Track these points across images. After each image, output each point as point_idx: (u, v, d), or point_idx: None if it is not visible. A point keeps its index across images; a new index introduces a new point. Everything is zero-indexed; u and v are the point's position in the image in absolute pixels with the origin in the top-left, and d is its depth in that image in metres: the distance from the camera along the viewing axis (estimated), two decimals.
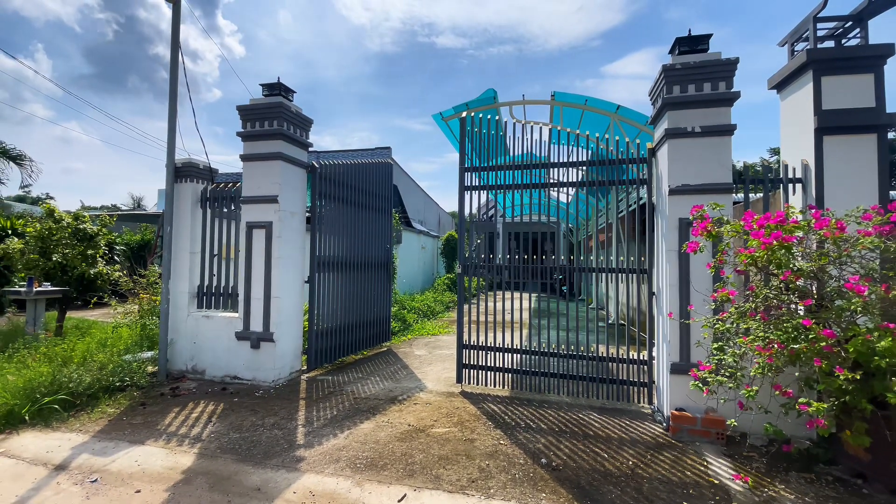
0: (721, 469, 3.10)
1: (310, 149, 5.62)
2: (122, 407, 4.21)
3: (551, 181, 4.84)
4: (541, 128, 4.83)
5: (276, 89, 5.11)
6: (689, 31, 4.02)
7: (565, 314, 9.36)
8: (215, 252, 5.49)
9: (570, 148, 4.82)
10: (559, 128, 4.87)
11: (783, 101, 4.20)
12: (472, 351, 4.94)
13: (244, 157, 5.11)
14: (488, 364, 4.88)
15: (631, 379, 4.41)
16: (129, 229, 13.76)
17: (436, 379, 5.26)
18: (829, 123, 3.64)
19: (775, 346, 2.24)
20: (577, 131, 4.69)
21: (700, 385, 2.79)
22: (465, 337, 4.98)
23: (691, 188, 3.83)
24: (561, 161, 4.70)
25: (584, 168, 4.64)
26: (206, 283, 5.45)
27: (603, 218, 9.39)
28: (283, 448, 3.35)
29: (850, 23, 3.86)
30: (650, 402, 4.35)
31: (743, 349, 2.41)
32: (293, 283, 5.25)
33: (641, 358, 4.41)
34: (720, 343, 2.75)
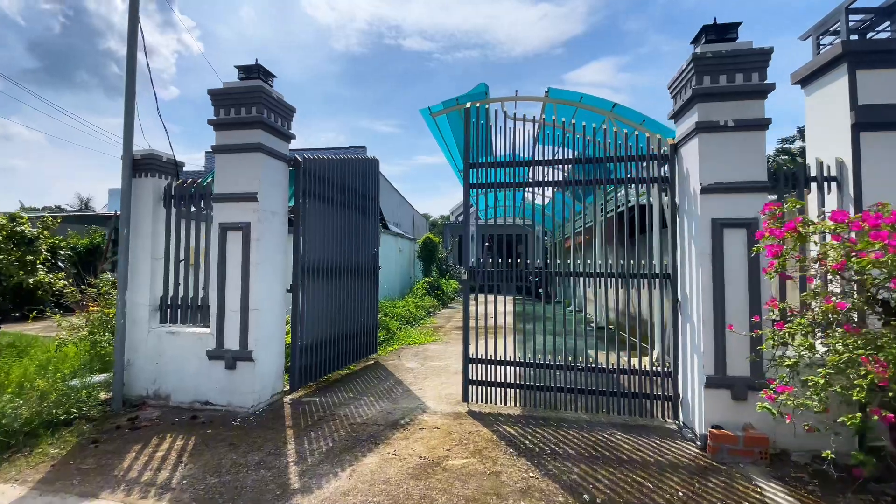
0: (778, 496, 2.79)
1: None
2: (69, 446, 3.48)
3: (565, 179, 4.46)
4: (563, 122, 4.46)
5: (253, 72, 4.49)
6: (715, 19, 3.75)
7: (550, 318, 9.03)
8: (181, 258, 4.78)
9: (574, 146, 4.48)
10: (571, 131, 4.50)
11: (809, 97, 4.00)
12: (479, 366, 4.48)
13: (217, 149, 4.45)
14: (497, 380, 4.43)
15: (655, 392, 4.08)
16: (76, 232, 12.47)
17: (436, 397, 4.77)
18: (867, 119, 3.44)
19: (879, 366, 1.92)
20: (604, 126, 4.33)
21: (771, 408, 2.45)
22: (473, 350, 4.51)
23: (725, 186, 3.54)
24: (584, 158, 4.32)
25: (604, 165, 4.29)
26: (171, 293, 4.73)
27: (597, 219, 9.17)
28: (276, 495, 2.78)
29: (874, 16, 3.69)
30: (675, 418, 4.03)
31: (854, 368, 2.07)
32: (275, 293, 4.63)
33: (666, 370, 4.09)
34: (793, 360, 2.43)
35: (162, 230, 4.74)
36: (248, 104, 4.38)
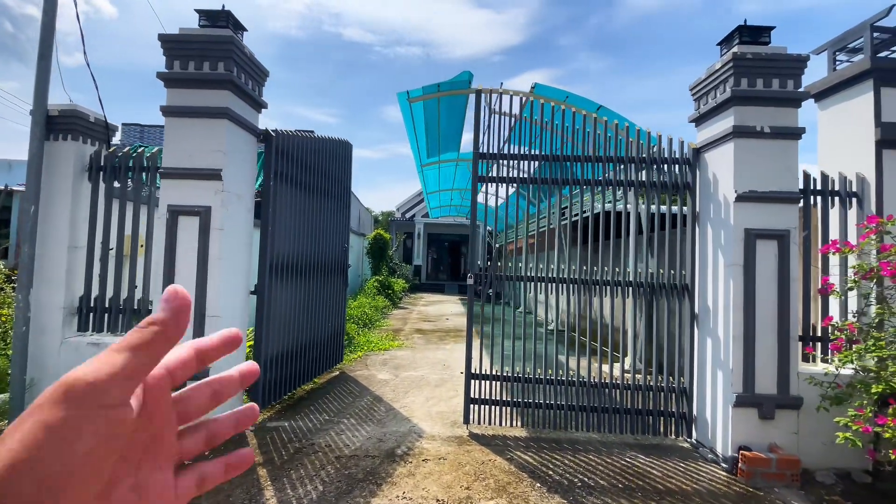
0: None
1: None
2: None
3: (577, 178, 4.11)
4: (583, 116, 4.09)
5: (221, 19, 3.61)
6: (745, 20, 3.59)
7: (507, 321, 8.70)
8: (111, 247, 3.76)
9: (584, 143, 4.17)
10: (592, 129, 4.17)
11: (823, 111, 3.99)
12: (482, 382, 3.98)
13: (168, 111, 3.51)
14: (502, 398, 3.96)
15: (668, 410, 3.85)
16: None
17: (427, 416, 4.20)
18: (891, 136, 3.44)
19: None
20: (627, 124, 4.03)
21: (855, 439, 2.24)
22: (476, 365, 4.00)
23: (758, 195, 3.37)
24: (605, 157, 3.99)
25: (622, 165, 3.99)
26: (96, 293, 3.69)
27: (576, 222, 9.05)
28: None
29: (892, 35, 3.74)
30: (689, 436, 3.83)
31: None
32: (237, 296, 3.78)
33: (681, 386, 3.88)
34: (879, 385, 2.24)
35: (85, 210, 3.68)
36: (214, 58, 3.50)
